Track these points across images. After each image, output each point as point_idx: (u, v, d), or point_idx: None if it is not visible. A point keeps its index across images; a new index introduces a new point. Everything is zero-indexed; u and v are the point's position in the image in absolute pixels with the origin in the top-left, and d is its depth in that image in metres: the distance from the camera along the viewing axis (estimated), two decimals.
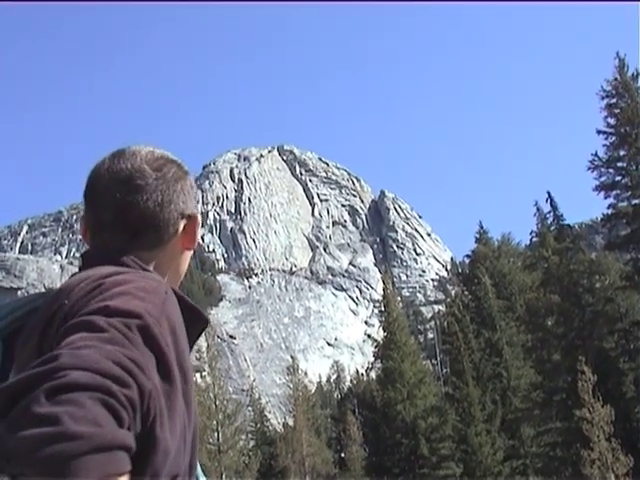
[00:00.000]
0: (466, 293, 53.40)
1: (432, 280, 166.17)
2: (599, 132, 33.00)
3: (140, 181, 1.37)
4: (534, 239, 40.65)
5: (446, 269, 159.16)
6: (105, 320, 1.02)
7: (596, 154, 32.82)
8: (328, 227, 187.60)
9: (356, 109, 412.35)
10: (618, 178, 32.74)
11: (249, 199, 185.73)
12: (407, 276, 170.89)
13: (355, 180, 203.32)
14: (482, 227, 58.37)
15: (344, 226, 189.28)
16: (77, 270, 1.37)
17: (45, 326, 1.17)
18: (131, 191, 1.36)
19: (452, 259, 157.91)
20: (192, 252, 1.52)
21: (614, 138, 32.69)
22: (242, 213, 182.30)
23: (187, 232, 1.45)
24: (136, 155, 1.42)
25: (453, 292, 72.01)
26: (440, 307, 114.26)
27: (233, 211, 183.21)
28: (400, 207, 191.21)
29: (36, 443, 0.82)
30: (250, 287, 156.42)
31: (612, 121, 32.68)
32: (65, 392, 0.86)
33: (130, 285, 1.15)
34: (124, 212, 1.35)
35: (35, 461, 0.82)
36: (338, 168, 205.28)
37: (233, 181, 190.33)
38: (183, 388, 1.09)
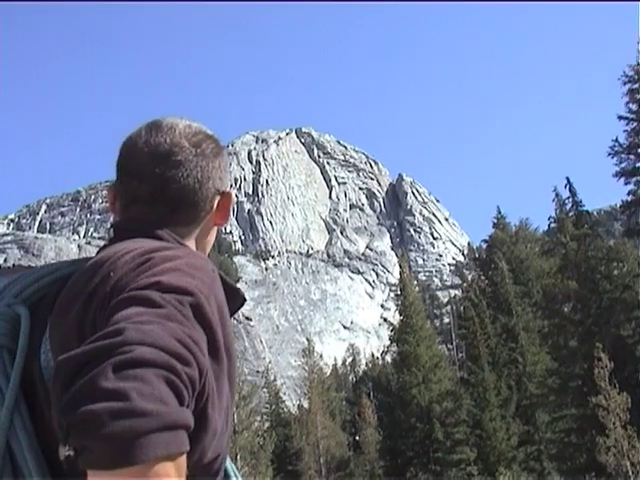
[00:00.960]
0: (483, 278, 53.27)
1: (449, 265, 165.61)
2: (620, 118, 32.64)
3: (180, 157, 1.36)
4: (552, 225, 40.36)
5: (463, 254, 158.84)
6: (160, 295, 1.02)
7: (617, 140, 32.46)
8: (345, 210, 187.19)
9: (374, 92, 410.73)
10: (639, 164, 32.42)
11: (267, 181, 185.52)
12: (424, 260, 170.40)
13: (373, 163, 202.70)
14: (500, 212, 58.21)
15: (361, 209, 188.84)
16: (108, 242, 1.35)
17: (87, 300, 1.14)
18: (171, 166, 1.35)
19: (469, 244, 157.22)
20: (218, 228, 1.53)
21: (635, 124, 32.32)
22: (259, 195, 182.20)
23: (220, 208, 1.44)
24: (174, 129, 1.40)
25: (470, 277, 71.82)
26: (456, 292, 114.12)
27: (251, 193, 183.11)
28: (418, 191, 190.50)
29: (104, 417, 0.82)
30: (267, 269, 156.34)
31: (634, 107, 32.30)
32: (132, 367, 0.86)
33: (180, 261, 1.13)
34: (164, 187, 1.34)
35: (102, 435, 0.81)
36: (356, 151, 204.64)
37: (251, 163, 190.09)
38: (228, 368, 1.09)
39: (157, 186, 1.34)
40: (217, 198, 1.43)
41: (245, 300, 1.34)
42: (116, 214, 1.43)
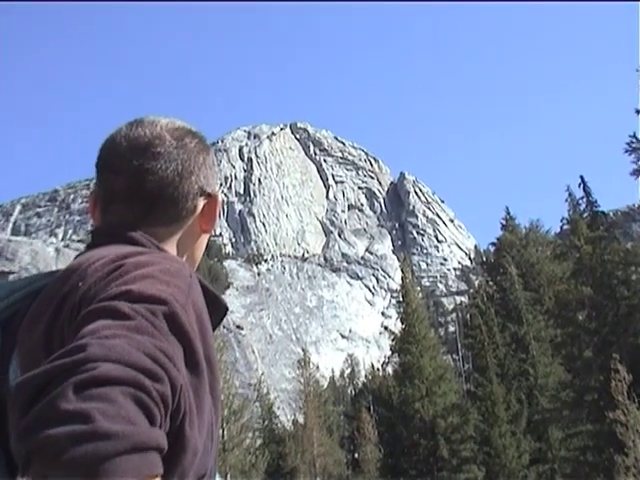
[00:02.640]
0: (491, 284, 53.22)
1: (454, 269, 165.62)
2: (638, 112, 32.53)
3: (160, 148, 1.36)
4: (565, 227, 40.29)
5: (469, 258, 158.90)
6: (129, 306, 0.99)
7: (634, 135, 32.35)
8: (343, 211, 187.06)
9: (374, 85, 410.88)
10: None
11: (259, 180, 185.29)
12: (427, 265, 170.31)
13: (373, 161, 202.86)
14: (509, 213, 58.11)
15: (360, 210, 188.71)
16: (85, 249, 1.34)
17: (55, 311, 1.13)
18: (150, 158, 1.35)
19: (476, 247, 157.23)
20: (209, 236, 1.51)
21: None
22: (251, 195, 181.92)
23: (206, 212, 1.43)
24: (156, 123, 1.41)
25: (477, 282, 71.89)
26: (462, 298, 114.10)
27: (242, 192, 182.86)
28: (421, 191, 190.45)
29: (65, 442, 0.78)
30: (259, 274, 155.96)
31: None
32: (95, 386, 0.84)
33: (153, 267, 1.12)
34: (141, 179, 1.34)
35: (63, 462, 0.78)
36: (355, 148, 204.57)
37: (242, 160, 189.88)
38: (210, 382, 1.08)
39: (134, 178, 1.34)
40: (201, 199, 1.42)
41: (227, 309, 1.30)
42: (96, 221, 1.43)
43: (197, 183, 1.40)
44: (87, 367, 0.85)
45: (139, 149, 1.35)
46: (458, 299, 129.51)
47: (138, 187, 1.34)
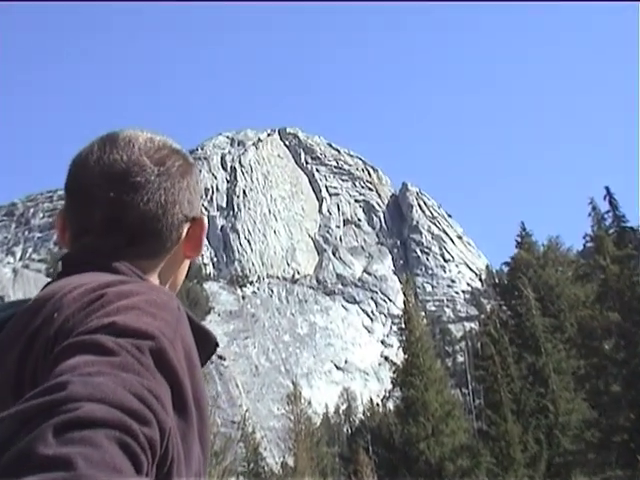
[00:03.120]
0: (504, 308, 53.13)
1: (463, 292, 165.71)
2: None
3: (139, 177, 1.34)
4: (588, 244, 40.39)
5: (480, 279, 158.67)
6: (113, 340, 0.99)
7: None
8: (338, 227, 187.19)
9: (373, 87, 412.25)
10: None
11: (244, 192, 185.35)
12: (433, 287, 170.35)
13: (372, 170, 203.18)
14: (524, 229, 58.11)
15: (358, 226, 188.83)
16: (57, 276, 1.33)
17: (25, 346, 1.12)
18: (128, 189, 1.33)
19: (488, 267, 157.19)
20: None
21: None
22: (235, 209, 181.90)
23: (190, 237, 1.44)
24: (132, 144, 1.39)
25: (488, 307, 71.91)
26: (472, 325, 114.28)
27: (224, 206, 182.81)
28: (425, 204, 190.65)
29: None
30: (244, 298, 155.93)
31: None
32: (78, 429, 0.83)
33: (138, 298, 1.12)
34: (119, 215, 1.33)
35: None
36: (351, 156, 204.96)
37: (225, 170, 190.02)
38: (199, 426, 1.09)
39: (112, 213, 1.33)
40: (186, 225, 1.42)
41: (217, 345, 1.30)
42: (66, 245, 1.42)
43: (182, 212, 1.40)
44: (69, 407, 0.85)
45: (115, 179, 1.34)
46: (467, 326, 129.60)
47: (116, 221, 1.33)
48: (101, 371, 0.93)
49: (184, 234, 1.42)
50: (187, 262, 1.49)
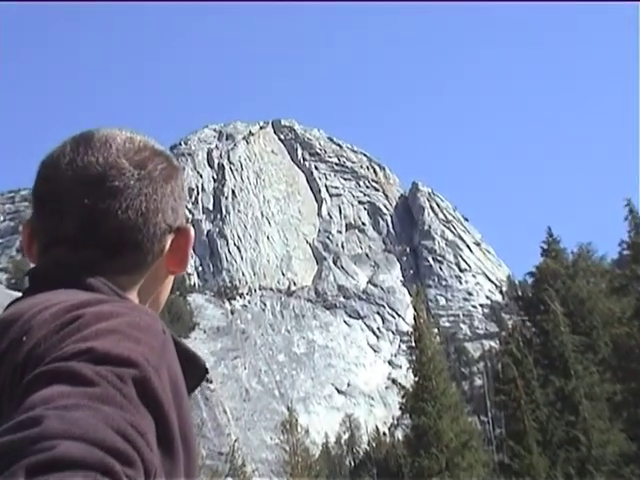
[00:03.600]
0: (528, 325, 52.99)
1: (481, 306, 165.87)
2: None
3: (118, 182, 1.33)
4: (625, 252, 40.07)
5: (501, 291, 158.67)
6: (92, 369, 0.98)
7: None
8: (340, 232, 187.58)
9: (378, 73, 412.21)
10: None
11: (233, 192, 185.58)
12: (447, 300, 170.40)
13: (378, 168, 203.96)
14: (551, 234, 57.87)
15: (362, 230, 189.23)
16: (23, 294, 1.32)
17: None
18: (105, 195, 1.32)
19: (509, 278, 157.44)
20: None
21: None
22: (223, 211, 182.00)
23: (175, 250, 1.42)
24: (110, 144, 1.38)
25: (510, 323, 71.71)
26: (492, 343, 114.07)
27: (211, 208, 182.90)
28: (439, 206, 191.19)
29: None
30: (233, 312, 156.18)
31: None
32: (53, 470, 0.82)
33: (120, 320, 1.10)
34: (95, 224, 1.31)
35: None
36: (355, 152, 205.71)
37: (211, 167, 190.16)
38: (186, 464, 1.08)
39: (86, 222, 1.31)
40: (170, 237, 1.41)
41: (207, 372, 1.30)
42: (33, 258, 1.40)
43: (165, 221, 1.38)
44: (43, 445, 0.84)
45: (91, 183, 1.32)
46: (487, 344, 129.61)
47: (91, 232, 1.32)
48: (78, 404, 0.92)
49: (167, 246, 1.41)
50: (171, 278, 1.48)
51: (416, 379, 46.91)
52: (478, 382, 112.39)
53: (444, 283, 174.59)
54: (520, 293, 69.59)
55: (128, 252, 1.34)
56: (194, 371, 1.25)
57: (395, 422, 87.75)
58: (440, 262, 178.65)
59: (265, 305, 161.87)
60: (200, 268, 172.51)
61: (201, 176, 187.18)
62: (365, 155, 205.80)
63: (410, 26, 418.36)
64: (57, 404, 0.91)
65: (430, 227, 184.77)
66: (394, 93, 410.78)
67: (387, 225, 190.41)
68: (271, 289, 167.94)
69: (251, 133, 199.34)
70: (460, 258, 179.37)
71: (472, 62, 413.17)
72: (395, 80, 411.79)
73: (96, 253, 1.32)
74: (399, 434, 72.44)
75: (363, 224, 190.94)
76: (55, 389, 0.94)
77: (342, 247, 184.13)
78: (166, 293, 1.49)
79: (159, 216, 1.36)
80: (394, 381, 66.79)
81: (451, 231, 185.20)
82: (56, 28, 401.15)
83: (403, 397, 49.09)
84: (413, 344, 50.32)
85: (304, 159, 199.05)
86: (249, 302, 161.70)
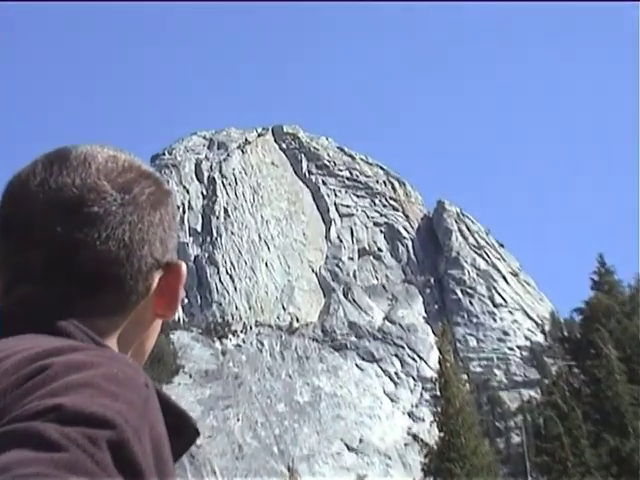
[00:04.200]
0: (576, 371, 52.82)
1: (519, 348, 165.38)
2: None
3: (97, 207, 1.30)
4: None
5: (543, 331, 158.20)
6: (60, 430, 0.96)
7: None
8: (352, 259, 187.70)
9: (397, 73, 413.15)
10: None
11: (225, 211, 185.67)
12: (479, 341, 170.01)
13: (397, 183, 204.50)
14: (603, 264, 57.78)
15: (378, 257, 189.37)
16: None
17: None
18: (82, 223, 1.29)
19: (553, 315, 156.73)
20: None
21: None
22: (214, 233, 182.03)
23: (163, 289, 1.40)
24: (89, 163, 1.35)
25: (554, 369, 71.58)
26: (532, 393, 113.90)
27: (199, 230, 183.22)
28: (469, 229, 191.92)
29: None
30: (224, 353, 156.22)
31: None
32: None
33: (94, 371, 1.08)
34: (69, 256, 1.29)
35: None
36: (370, 164, 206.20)
37: (200, 181, 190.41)
38: None
39: (59, 254, 1.29)
40: (157, 273, 1.39)
41: (198, 434, 1.27)
42: None
43: (152, 255, 1.36)
44: None
45: (65, 208, 1.29)
46: (526, 394, 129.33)
47: (64, 265, 1.29)
48: (41, 473, 0.89)
49: (154, 285, 1.39)
50: (158, 323, 1.46)
51: (441, 435, 46.87)
52: (516, 439, 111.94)
53: (475, 320, 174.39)
54: (566, 333, 69.41)
55: (108, 290, 1.32)
56: (182, 432, 1.22)
57: None
58: (470, 295, 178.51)
59: (262, 345, 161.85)
60: (186, 300, 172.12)
61: (188, 192, 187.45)
62: (382, 168, 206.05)
63: (439, 21, 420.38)
64: (16, 473, 0.89)
65: (459, 254, 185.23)
66: (416, 95, 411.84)
67: (407, 251, 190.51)
68: (270, 326, 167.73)
69: (247, 141, 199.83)
70: (494, 291, 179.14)
71: (504, 62, 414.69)
72: (417, 80, 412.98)
73: (69, 291, 1.29)
74: None
75: (379, 250, 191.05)
76: (14, 455, 0.92)
77: (354, 277, 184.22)
78: (152, 340, 1.46)
79: (145, 249, 1.34)
80: (415, 437, 66.35)
81: (483, 259, 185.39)
82: (25, 26, 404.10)
83: (426, 456, 48.92)
84: (438, 393, 50.29)
85: (310, 172, 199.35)
86: (244, 341, 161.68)
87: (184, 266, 1.44)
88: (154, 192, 1.38)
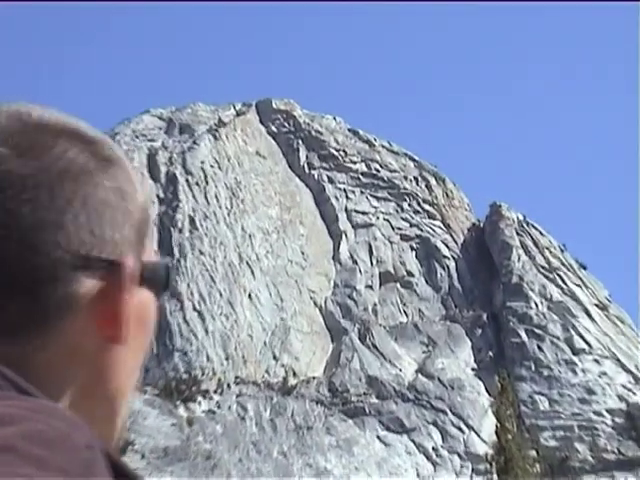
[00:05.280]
0: None
1: (610, 413, 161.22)
2: None
3: None
4: None
5: None
6: None
7: None
8: (371, 287, 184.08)
9: (428, 32, 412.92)
10: None
11: (191, 221, 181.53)
12: (552, 402, 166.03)
13: (434, 180, 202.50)
14: None
15: (407, 285, 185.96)
16: None
17: None
18: None
19: None
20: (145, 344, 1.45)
21: None
22: (175, 253, 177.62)
23: (102, 300, 1.35)
24: None
25: None
26: (632, 478, 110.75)
27: (156, 247, 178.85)
28: (536, 244, 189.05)
29: None
30: (191, 423, 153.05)
31: None
32: None
33: (12, 430, 1.04)
34: None
35: None
36: (395, 153, 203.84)
37: (155, 179, 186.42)
38: None
39: None
40: (90, 276, 1.34)
41: None
42: None
43: (71, 247, 1.30)
44: None
45: None
46: (620, 478, 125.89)
47: None
48: None
49: (87, 291, 1.33)
50: (126, 350, 1.40)
51: None
52: None
53: (546, 373, 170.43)
54: None
55: (9, 300, 1.24)
56: None
57: None
58: (539, 338, 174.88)
59: (246, 410, 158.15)
60: None
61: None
62: (412, 159, 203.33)
63: None
64: None
65: (522, 279, 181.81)
66: (456, 65, 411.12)
67: (449, 276, 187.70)
68: (256, 383, 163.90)
69: (221, 122, 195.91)
70: (573, 331, 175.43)
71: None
72: (457, 47, 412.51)
73: None
74: None
75: (410, 274, 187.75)
76: None
77: (374, 313, 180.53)
78: (123, 378, 1.40)
79: (59, 238, 1.27)
80: None
81: (557, 286, 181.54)
82: None
83: None
84: (495, 477, 46.44)
85: (311, 166, 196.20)
86: (219, 406, 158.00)
87: (132, 261, 1.37)
88: (81, 158, 1.33)
